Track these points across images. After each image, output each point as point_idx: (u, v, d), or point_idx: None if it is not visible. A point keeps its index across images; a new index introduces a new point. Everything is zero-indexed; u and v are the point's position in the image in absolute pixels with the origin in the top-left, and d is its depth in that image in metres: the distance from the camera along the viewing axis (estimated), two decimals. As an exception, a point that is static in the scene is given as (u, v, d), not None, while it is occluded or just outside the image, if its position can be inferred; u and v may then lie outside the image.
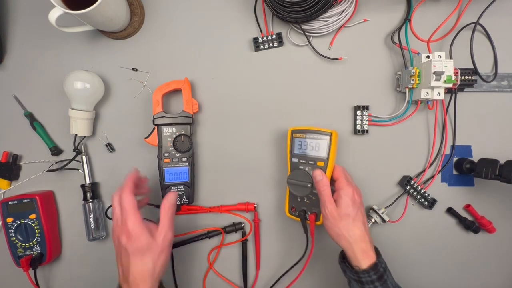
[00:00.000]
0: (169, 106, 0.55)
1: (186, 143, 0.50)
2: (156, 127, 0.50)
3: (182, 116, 0.50)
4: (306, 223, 0.49)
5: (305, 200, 0.50)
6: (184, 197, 0.52)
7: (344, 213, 0.43)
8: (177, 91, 0.52)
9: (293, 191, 0.49)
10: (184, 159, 0.51)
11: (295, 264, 0.51)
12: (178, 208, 0.53)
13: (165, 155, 0.50)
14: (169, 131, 0.50)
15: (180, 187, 0.51)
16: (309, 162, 0.48)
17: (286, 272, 0.51)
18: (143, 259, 0.39)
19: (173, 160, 0.50)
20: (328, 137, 0.47)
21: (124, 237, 0.39)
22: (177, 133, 0.50)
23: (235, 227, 0.54)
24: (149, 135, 0.50)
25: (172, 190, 0.50)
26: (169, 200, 0.43)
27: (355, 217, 0.43)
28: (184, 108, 0.51)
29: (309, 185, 0.48)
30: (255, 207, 0.54)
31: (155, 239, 0.40)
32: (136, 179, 0.44)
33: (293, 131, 0.50)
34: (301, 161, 0.49)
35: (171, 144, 0.50)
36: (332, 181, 0.47)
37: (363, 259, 0.42)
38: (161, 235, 0.41)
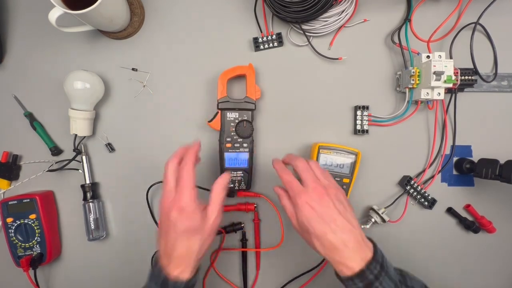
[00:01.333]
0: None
1: (248, 129, 0.50)
2: (219, 111, 0.50)
3: (245, 101, 0.51)
4: None
5: None
6: (243, 182, 0.52)
7: (304, 229, 0.38)
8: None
9: None
10: (245, 145, 0.51)
11: (311, 269, 0.52)
12: (234, 194, 0.53)
13: (227, 139, 0.50)
14: (232, 116, 0.50)
15: (239, 172, 0.52)
16: (336, 178, 0.50)
17: (302, 275, 0.53)
18: (191, 239, 0.37)
19: (235, 145, 0.51)
20: (354, 156, 0.50)
21: (175, 212, 0.37)
22: (239, 119, 0.50)
23: (234, 228, 0.54)
24: (212, 119, 0.51)
25: (226, 172, 0.44)
26: (222, 182, 0.40)
27: (316, 231, 0.37)
28: (247, 93, 0.51)
29: None
30: (255, 207, 0.54)
31: (205, 221, 0.38)
32: (197, 152, 0.41)
33: (320, 147, 0.50)
34: None
35: (234, 129, 0.50)
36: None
37: (341, 270, 0.36)
38: (210, 218, 0.38)
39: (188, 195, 0.38)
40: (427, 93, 0.48)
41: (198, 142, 0.42)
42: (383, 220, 0.52)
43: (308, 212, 0.37)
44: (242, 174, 0.52)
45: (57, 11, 0.44)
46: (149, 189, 0.54)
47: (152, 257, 0.48)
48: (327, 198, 0.38)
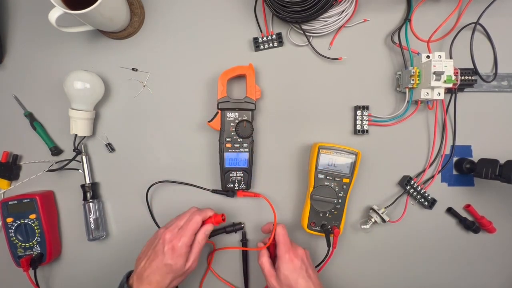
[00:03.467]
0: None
1: (248, 129, 0.50)
2: (219, 111, 0.50)
3: (245, 101, 0.51)
4: (329, 237, 0.49)
5: (327, 215, 0.51)
6: (242, 183, 0.52)
7: (285, 284, 0.44)
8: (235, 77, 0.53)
9: (317, 207, 0.50)
10: (245, 145, 0.51)
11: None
12: (234, 194, 0.54)
13: (227, 139, 0.50)
14: (232, 116, 0.50)
15: (239, 172, 0.52)
16: (336, 178, 0.50)
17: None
18: (166, 274, 0.42)
19: (234, 145, 0.51)
20: (354, 156, 0.50)
21: (169, 248, 0.42)
22: (239, 119, 0.50)
23: (235, 228, 0.53)
24: (212, 119, 0.51)
25: (209, 224, 0.48)
26: (205, 232, 0.46)
27: (296, 284, 0.43)
28: (247, 93, 0.51)
29: (335, 201, 0.50)
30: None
31: (184, 265, 0.43)
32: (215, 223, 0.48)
33: (320, 147, 0.50)
34: (327, 177, 0.50)
35: (234, 129, 0.50)
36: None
37: None
38: (189, 262, 0.44)
39: (186, 239, 0.43)
40: (427, 93, 0.48)
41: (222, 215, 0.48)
42: (383, 220, 0.52)
43: (298, 261, 0.45)
44: (242, 174, 0.52)
45: (57, 11, 0.44)
46: (148, 189, 0.54)
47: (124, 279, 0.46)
48: (305, 261, 0.46)
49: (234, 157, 0.51)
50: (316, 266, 0.51)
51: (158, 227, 0.55)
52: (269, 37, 0.53)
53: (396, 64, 0.54)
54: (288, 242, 0.46)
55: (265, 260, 0.47)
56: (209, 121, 0.51)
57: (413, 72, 0.49)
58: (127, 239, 0.56)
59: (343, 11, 0.51)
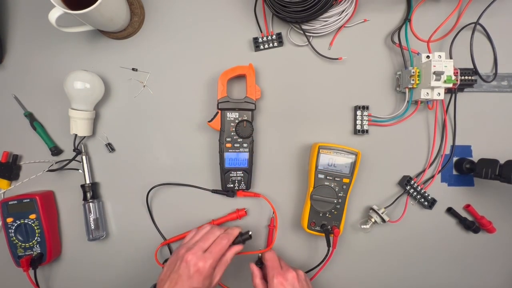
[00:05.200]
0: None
1: (248, 129, 0.50)
2: (219, 111, 0.50)
3: (245, 101, 0.51)
4: (329, 237, 0.50)
5: (327, 215, 0.51)
6: (242, 183, 0.52)
7: None
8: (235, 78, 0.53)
9: (316, 207, 0.50)
10: (245, 145, 0.51)
11: (313, 268, 0.51)
12: (234, 194, 0.54)
13: (227, 139, 0.51)
14: (232, 116, 0.50)
15: (239, 172, 0.52)
16: (336, 178, 0.50)
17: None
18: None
19: (234, 145, 0.51)
20: (354, 156, 0.50)
21: (195, 271, 0.42)
22: (240, 119, 0.50)
23: (242, 238, 0.49)
24: (212, 119, 0.51)
25: (239, 244, 0.48)
26: (235, 252, 0.46)
27: None
28: (247, 93, 0.51)
29: (335, 201, 0.50)
30: (245, 211, 0.54)
31: (210, 283, 0.43)
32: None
33: (320, 147, 0.50)
34: (327, 177, 0.50)
35: (234, 129, 0.50)
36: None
37: None
38: (215, 280, 0.44)
39: (213, 262, 0.43)
40: (427, 93, 0.48)
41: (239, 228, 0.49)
42: (383, 220, 0.52)
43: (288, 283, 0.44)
44: (242, 174, 0.52)
45: (57, 11, 0.44)
46: (148, 192, 0.54)
47: None
48: (297, 283, 0.44)
49: (234, 157, 0.51)
50: (316, 266, 0.50)
51: (157, 227, 0.55)
52: (269, 37, 0.53)
53: (396, 64, 0.54)
54: (277, 266, 0.46)
55: (257, 282, 0.46)
56: (209, 121, 0.51)
57: (413, 72, 0.49)
58: (127, 239, 0.56)
59: (343, 11, 0.51)
